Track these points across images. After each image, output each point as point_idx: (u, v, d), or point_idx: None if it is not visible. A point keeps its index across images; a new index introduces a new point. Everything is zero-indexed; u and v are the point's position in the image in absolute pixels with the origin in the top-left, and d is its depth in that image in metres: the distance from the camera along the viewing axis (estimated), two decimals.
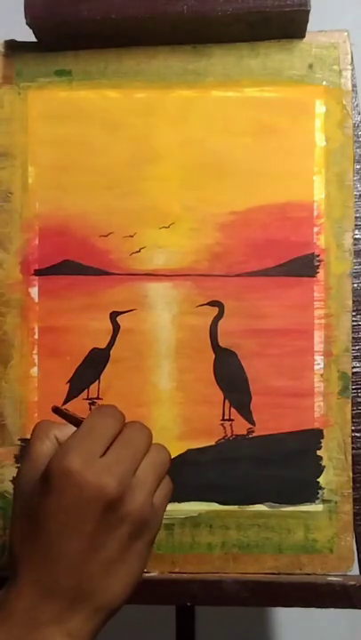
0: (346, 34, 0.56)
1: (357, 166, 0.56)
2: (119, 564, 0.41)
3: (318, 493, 0.54)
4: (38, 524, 0.41)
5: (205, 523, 0.54)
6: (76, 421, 0.45)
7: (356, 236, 0.56)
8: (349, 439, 0.55)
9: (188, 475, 0.54)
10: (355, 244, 0.56)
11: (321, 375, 0.55)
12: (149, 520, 0.42)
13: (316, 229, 0.56)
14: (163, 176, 0.56)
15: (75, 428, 0.44)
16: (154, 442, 0.45)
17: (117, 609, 0.42)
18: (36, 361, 0.56)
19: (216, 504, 0.55)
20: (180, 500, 0.54)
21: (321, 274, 0.55)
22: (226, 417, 0.55)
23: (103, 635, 0.43)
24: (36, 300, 0.56)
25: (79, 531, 0.40)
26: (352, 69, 0.56)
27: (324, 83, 0.56)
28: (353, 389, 0.55)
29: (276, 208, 0.56)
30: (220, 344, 0.55)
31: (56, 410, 0.45)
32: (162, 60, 0.56)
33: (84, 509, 0.40)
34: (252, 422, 0.55)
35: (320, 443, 0.55)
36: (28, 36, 0.55)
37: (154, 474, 0.43)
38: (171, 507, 0.54)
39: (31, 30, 0.55)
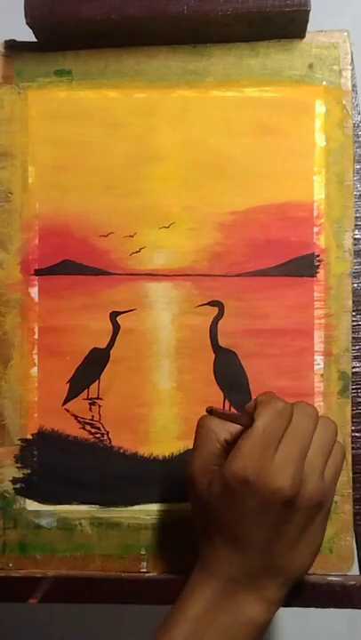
0: (346, 34, 0.56)
1: (357, 166, 0.56)
2: (300, 541, 0.46)
3: None
4: (224, 522, 0.46)
5: None
6: (238, 419, 0.47)
7: (356, 236, 0.56)
8: (349, 439, 0.55)
9: None
10: (355, 244, 0.56)
11: (321, 375, 0.55)
12: (323, 498, 0.46)
13: (316, 229, 0.56)
14: (163, 176, 0.56)
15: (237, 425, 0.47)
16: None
17: (304, 575, 0.48)
18: (36, 361, 0.56)
19: None
20: (180, 501, 0.54)
21: (321, 274, 0.55)
22: None
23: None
24: (36, 300, 0.56)
25: (263, 525, 0.45)
26: (352, 69, 0.56)
27: (325, 83, 0.56)
28: (353, 389, 0.55)
29: (276, 208, 0.56)
30: (221, 344, 0.55)
31: (211, 411, 0.47)
32: (162, 60, 0.56)
33: (266, 509, 0.44)
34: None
35: None
36: (28, 35, 0.55)
37: (322, 455, 0.47)
38: (171, 507, 0.54)
39: (31, 30, 0.55)
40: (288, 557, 0.46)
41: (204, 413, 0.48)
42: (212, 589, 0.46)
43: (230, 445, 0.46)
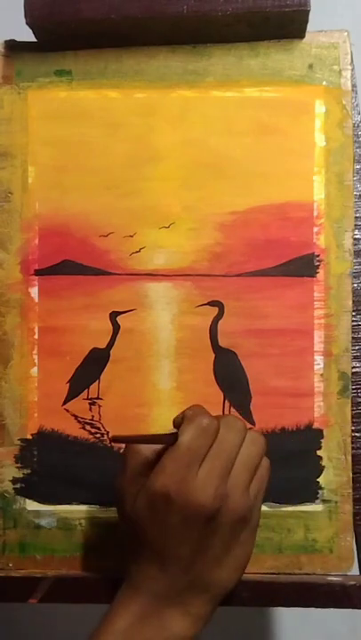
0: (346, 34, 0.56)
1: (357, 166, 0.56)
2: (226, 556, 0.46)
3: (318, 493, 0.54)
4: (149, 539, 0.46)
5: None
6: (160, 439, 0.47)
7: (356, 236, 0.56)
8: (349, 439, 0.55)
9: None
10: (355, 244, 0.56)
11: (321, 375, 0.55)
12: (248, 513, 0.46)
13: (316, 229, 0.56)
14: (163, 176, 0.56)
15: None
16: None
17: (231, 590, 0.47)
18: (36, 361, 0.56)
19: None
20: None
21: (321, 274, 0.55)
22: None
23: None
24: (36, 300, 0.56)
25: (186, 540, 0.45)
26: (352, 69, 0.56)
27: (324, 83, 0.56)
28: (353, 389, 0.55)
29: (276, 208, 0.56)
30: (220, 344, 0.55)
31: (115, 440, 0.47)
32: (162, 60, 0.56)
33: (189, 525, 0.45)
34: (253, 422, 0.55)
35: (320, 443, 0.55)
36: (28, 36, 0.55)
37: (248, 471, 0.47)
38: None
39: (31, 30, 0.55)
40: (213, 573, 0.46)
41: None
42: (138, 605, 0.45)
43: (155, 462, 0.46)
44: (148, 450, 0.47)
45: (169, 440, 0.46)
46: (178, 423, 0.47)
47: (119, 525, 0.49)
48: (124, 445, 0.49)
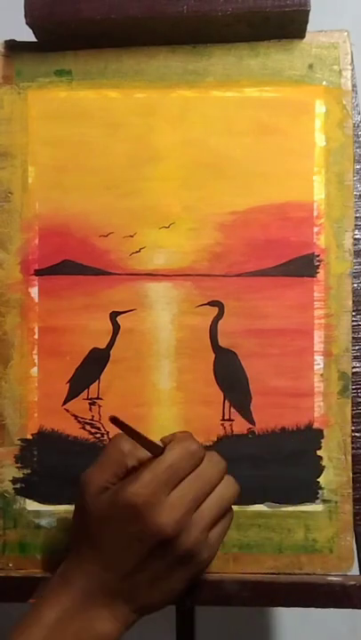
0: (346, 34, 0.56)
1: (357, 166, 0.56)
2: (163, 581, 0.46)
3: (318, 493, 0.54)
4: (100, 538, 0.46)
5: None
6: (149, 445, 0.46)
7: (356, 236, 0.56)
8: (349, 439, 0.55)
9: None
10: (355, 244, 0.56)
11: (321, 375, 0.55)
12: (199, 554, 0.46)
13: (316, 229, 0.56)
14: (163, 176, 0.56)
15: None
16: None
17: (153, 611, 0.48)
18: (36, 361, 0.56)
19: None
20: None
21: (321, 274, 0.55)
22: (226, 417, 0.55)
23: None
24: (36, 300, 0.56)
25: (135, 553, 0.45)
26: (352, 69, 0.56)
27: (324, 83, 0.56)
28: (353, 389, 0.55)
29: (276, 208, 0.56)
30: (220, 344, 0.55)
31: (115, 420, 0.45)
32: (162, 60, 0.56)
33: (141, 540, 0.45)
34: (253, 422, 0.55)
35: (320, 443, 0.55)
36: (28, 35, 0.55)
37: (215, 511, 0.47)
38: None
39: (31, 30, 0.55)
40: (146, 591, 0.46)
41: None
42: (69, 598, 0.46)
43: (132, 472, 0.46)
44: (130, 453, 0.47)
45: (156, 450, 0.46)
46: (166, 442, 0.47)
47: (73, 514, 0.49)
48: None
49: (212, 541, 0.47)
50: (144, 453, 0.47)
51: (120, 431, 0.46)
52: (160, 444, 0.47)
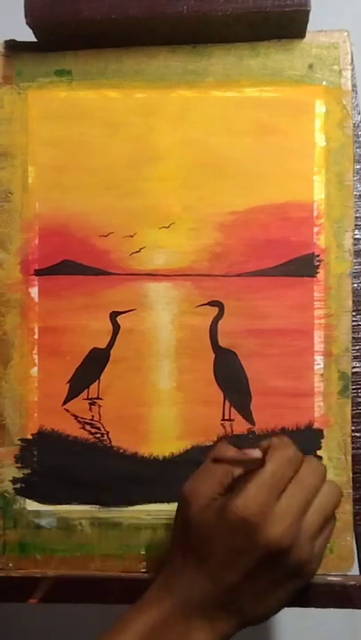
0: (346, 34, 0.56)
1: (357, 166, 0.56)
2: (269, 593, 0.46)
3: None
4: (206, 549, 0.45)
5: None
6: (248, 463, 0.46)
7: (357, 236, 0.56)
8: (349, 439, 0.55)
9: (189, 474, 0.54)
10: (355, 244, 0.56)
11: (321, 375, 0.55)
12: (309, 565, 0.46)
13: (316, 229, 0.56)
14: (163, 176, 0.56)
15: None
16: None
17: (255, 624, 0.47)
18: (36, 361, 0.56)
19: None
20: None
21: (321, 274, 0.55)
22: (226, 417, 0.55)
23: None
24: (36, 300, 0.56)
25: (242, 565, 0.44)
26: (352, 69, 0.56)
27: (325, 83, 0.56)
28: (353, 389, 0.55)
29: (276, 208, 0.56)
30: (221, 344, 0.55)
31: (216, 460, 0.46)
32: (162, 60, 0.56)
33: (251, 553, 0.44)
34: (253, 422, 0.55)
35: (320, 443, 0.55)
36: (28, 36, 0.55)
37: (321, 520, 0.46)
38: (171, 507, 0.54)
39: (31, 30, 0.55)
40: (250, 604, 0.46)
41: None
42: (167, 606, 0.45)
43: (236, 481, 0.46)
44: (236, 468, 0.47)
45: (255, 464, 0.46)
46: (264, 449, 0.47)
47: (175, 522, 0.48)
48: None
49: (319, 551, 0.46)
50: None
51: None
52: (258, 453, 0.47)
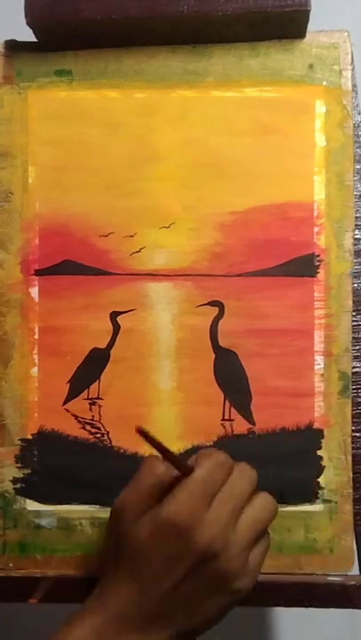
0: (346, 34, 0.56)
1: (358, 166, 0.56)
2: (201, 605, 0.45)
3: (318, 493, 0.54)
4: (137, 560, 0.45)
5: None
6: (178, 462, 0.46)
7: (357, 236, 0.56)
8: (349, 439, 0.55)
9: None
10: (355, 244, 0.56)
11: (321, 375, 0.55)
12: (238, 578, 0.45)
13: (316, 229, 0.56)
14: (163, 176, 0.56)
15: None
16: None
17: (192, 638, 0.47)
18: (37, 361, 0.56)
19: None
20: None
21: (321, 274, 0.55)
22: (226, 417, 0.55)
23: None
24: (37, 300, 0.56)
25: (174, 573, 0.44)
26: (352, 69, 0.56)
27: (325, 83, 0.56)
28: (353, 389, 0.55)
29: (276, 208, 0.56)
30: (221, 344, 0.55)
31: (141, 432, 0.45)
32: (162, 60, 0.56)
33: (182, 559, 0.44)
34: (253, 422, 0.55)
35: (320, 443, 0.55)
36: (28, 35, 0.55)
37: (253, 532, 0.46)
38: None
39: (31, 30, 0.55)
40: (181, 615, 0.45)
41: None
42: (101, 620, 0.45)
43: (167, 491, 0.46)
44: (164, 474, 0.46)
45: (185, 469, 0.46)
46: (193, 461, 0.47)
47: (105, 537, 0.48)
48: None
49: (252, 567, 0.46)
50: (175, 473, 0.46)
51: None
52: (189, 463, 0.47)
